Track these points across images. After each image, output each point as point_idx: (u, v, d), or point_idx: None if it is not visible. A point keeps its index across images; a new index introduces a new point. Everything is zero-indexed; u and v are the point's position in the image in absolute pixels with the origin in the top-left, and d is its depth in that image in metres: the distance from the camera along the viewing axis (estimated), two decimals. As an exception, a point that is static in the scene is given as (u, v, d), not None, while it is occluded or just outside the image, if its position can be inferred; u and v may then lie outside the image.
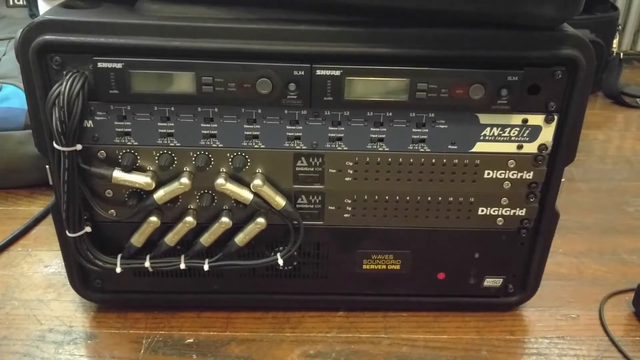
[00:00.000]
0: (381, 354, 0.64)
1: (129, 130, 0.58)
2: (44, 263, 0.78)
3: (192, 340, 0.65)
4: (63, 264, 0.66)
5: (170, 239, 0.62)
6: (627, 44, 1.79)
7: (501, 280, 0.68)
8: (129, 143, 0.59)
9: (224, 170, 0.60)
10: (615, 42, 1.45)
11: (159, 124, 0.58)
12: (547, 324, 0.69)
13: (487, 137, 0.59)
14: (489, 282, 0.68)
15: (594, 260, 0.82)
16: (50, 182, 0.59)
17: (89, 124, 0.57)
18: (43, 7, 1.15)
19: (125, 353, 0.63)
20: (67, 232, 0.60)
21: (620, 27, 1.52)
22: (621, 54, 1.46)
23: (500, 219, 0.64)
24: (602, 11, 1.40)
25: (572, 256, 0.82)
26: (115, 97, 0.56)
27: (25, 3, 1.18)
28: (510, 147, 0.60)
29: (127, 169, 0.59)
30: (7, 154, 0.91)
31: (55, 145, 0.55)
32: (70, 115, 0.54)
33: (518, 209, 0.63)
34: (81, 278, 0.66)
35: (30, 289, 0.73)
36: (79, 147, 0.56)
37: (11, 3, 1.21)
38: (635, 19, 1.77)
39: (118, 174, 0.58)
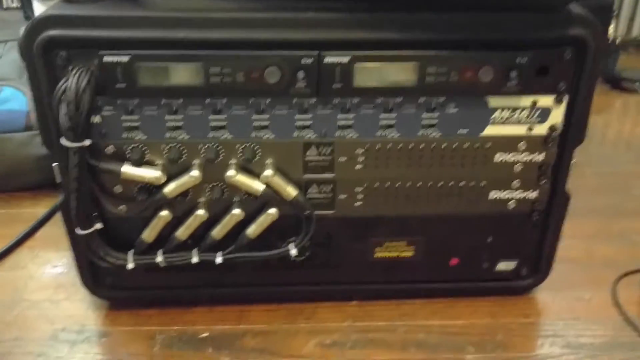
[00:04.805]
0: (398, 342, 0.64)
1: (137, 124, 0.57)
2: (51, 264, 0.77)
3: (206, 335, 0.65)
4: (71, 264, 0.65)
5: (182, 233, 0.62)
6: (622, 31, 1.79)
7: (514, 263, 0.68)
8: (137, 137, 0.58)
9: (234, 161, 0.59)
10: (611, 28, 1.46)
11: (167, 117, 0.57)
12: (561, 306, 0.69)
13: (497, 120, 0.59)
14: (502, 265, 0.68)
15: (603, 242, 0.82)
16: (58, 180, 0.59)
17: (96, 119, 0.57)
18: (38, 9, 1.14)
19: (140, 349, 0.63)
20: (77, 229, 0.59)
21: (615, 13, 1.52)
22: (618, 38, 1.46)
23: (512, 202, 0.64)
24: (598, -3, 1.40)
25: (581, 239, 0.82)
26: (122, 91, 0.55)
27: (19, 5, 1.17)
28: (521, 130, 0.60)
29: (136, 164, 0.58)
30: (8, 157, 0.90)
31: (63, 141, 0.54)
32: (78, 110, 0.53)
33: (530, 191, 0.63)
34: (92, 276, 0.66)
35: (40, 290, 0.72)
36: (87, 142, 0.55)
37: (5, 6, 1.20)
38: (630, 6, 1.77)
39: (127, 169, 0.58)
